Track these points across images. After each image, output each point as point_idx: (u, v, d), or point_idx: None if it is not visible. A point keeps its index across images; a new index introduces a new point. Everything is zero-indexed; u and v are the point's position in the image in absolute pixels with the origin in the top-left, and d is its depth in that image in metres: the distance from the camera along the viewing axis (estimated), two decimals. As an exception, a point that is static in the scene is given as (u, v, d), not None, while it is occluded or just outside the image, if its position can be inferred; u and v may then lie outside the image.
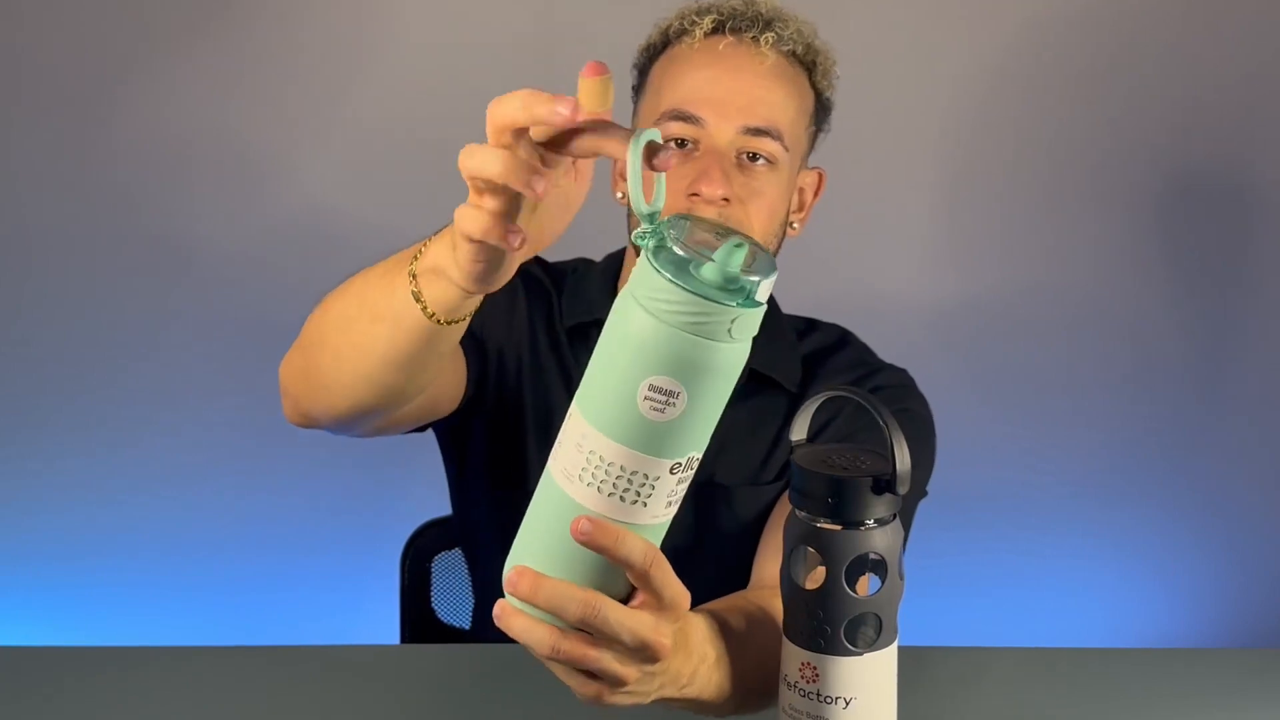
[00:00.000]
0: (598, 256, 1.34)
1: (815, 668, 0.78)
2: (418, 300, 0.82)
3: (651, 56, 1.23)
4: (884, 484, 0.76)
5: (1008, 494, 2.28)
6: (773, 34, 1.18)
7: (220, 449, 2.24)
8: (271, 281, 2.18)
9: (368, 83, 2.18)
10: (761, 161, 1.16)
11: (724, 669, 0.86)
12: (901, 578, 0.79)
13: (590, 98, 0.69)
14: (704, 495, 1.21)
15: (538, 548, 0.72)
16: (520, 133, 0.70)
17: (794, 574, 0.79)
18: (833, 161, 1.30)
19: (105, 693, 1.08)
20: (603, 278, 1.30)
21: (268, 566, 2.26)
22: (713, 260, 0.65)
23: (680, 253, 0.65)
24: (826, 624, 0.77)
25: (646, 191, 0.68)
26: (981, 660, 1.17)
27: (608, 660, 0.73)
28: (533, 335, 1.26)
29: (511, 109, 0.69)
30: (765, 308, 0.67)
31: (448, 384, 1.15)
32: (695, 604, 0.86)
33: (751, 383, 1.24)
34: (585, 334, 1.26)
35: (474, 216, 0.71)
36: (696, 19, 1.19)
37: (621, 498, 0.69)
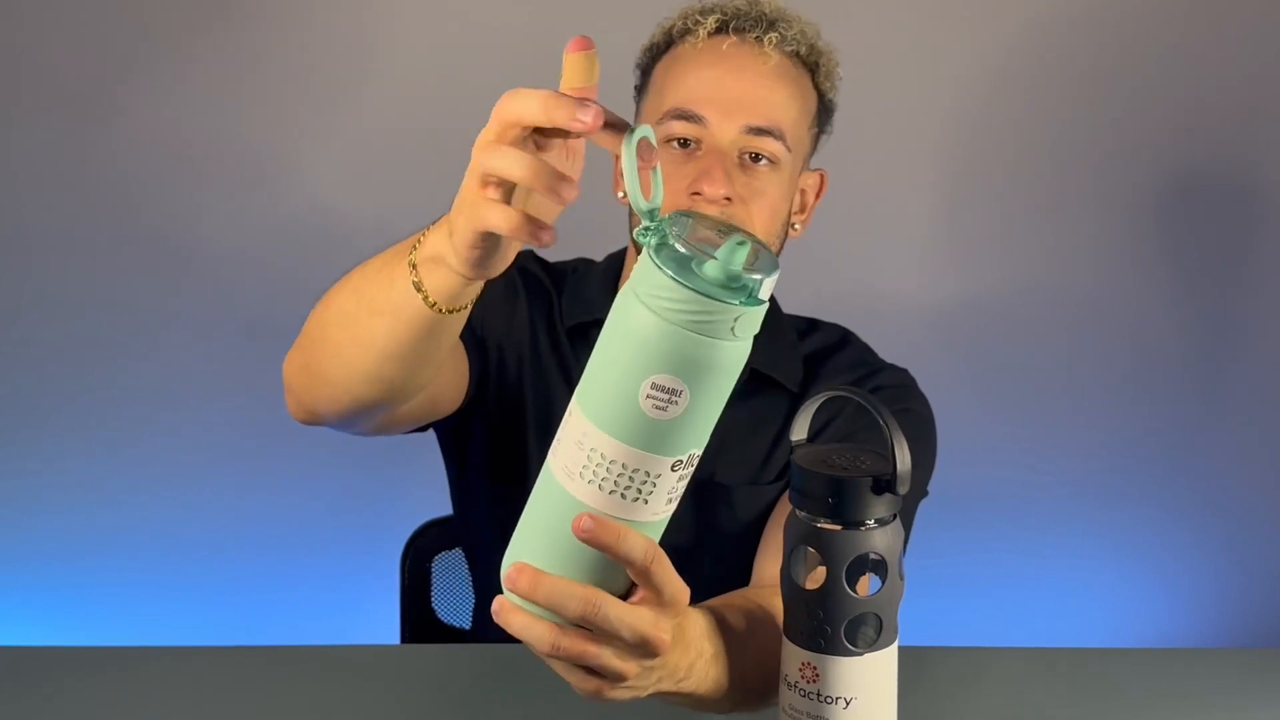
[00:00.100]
0: (598, 256, 1.34)
1: (815, 668, 0.78)
2: (419, 290, 0.82)
3: (654, 56, 1.23)
4: (884, 484, 0.76)
5: (1008, 494, 2.28)
6: (776, 34, 1.18)
7: (220, 449, 2.24)
8: (272, 281, 2.18)
9: (368, 82, 2.18)
10: (764, 161, 1.16)
11: (721, 665, 0.87)
12: (902, 578, 0.79)
13: (576, 73, 0.69)
14: (704, 495, 1.21)
15: (536, 544, 0.72)
16: (529, 130, 0.70)
17: (794, 574, 0.79)
18: (834, 161, 1.30)
19: (105, 693, 1.08)
20: (603, 278, 1.30)
21: (268, 566, 2.26)
22: (715, 258, 0.65)
23: (683, 250, 0.65)
24: (827, 624, 0.77)
25: (645, 188, 0.68)
26: (981, 660, 1.17)
27: (608, 656, 0.74)
28: (533, 334, 1.26)
29: (529, 108, 0.68)
30: (767, 306, 0.67)
31: (450, 382, 1.15)
32: (695, 603, 0.86)
33: (752, 382, 1.24)
34: (586, 334, 1.26)
35: (503, 213, 0.70)
36: (700, 19, 1.19)
37: (623, 495, 0.69)
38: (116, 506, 2.24)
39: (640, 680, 0.78)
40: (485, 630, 1.39)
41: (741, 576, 1.18)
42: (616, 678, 0.75)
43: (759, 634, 0.91)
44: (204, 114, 2.18)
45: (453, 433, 1.28)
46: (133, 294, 2.22)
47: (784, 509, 1.17)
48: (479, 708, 1.07)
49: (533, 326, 1.27)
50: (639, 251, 0.67)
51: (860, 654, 0.77)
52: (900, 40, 2.19)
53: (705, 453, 0.72)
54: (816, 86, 1.22)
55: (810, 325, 1.34)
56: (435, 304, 0.82)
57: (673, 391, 0.66)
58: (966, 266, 2.27)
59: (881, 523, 0.77)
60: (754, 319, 0.67)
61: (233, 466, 2.24)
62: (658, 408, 0.66)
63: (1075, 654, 1.20)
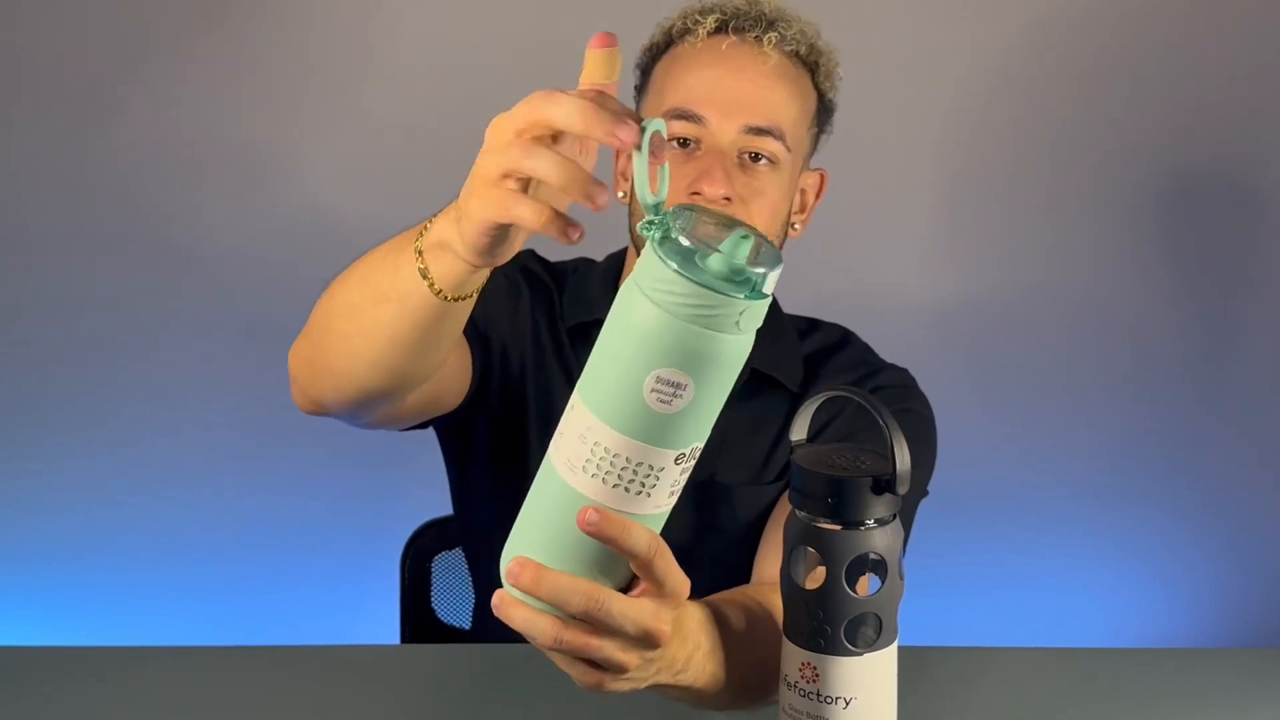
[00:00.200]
0: (598, 256, 1.34)
1: (815, 668, 0.78)
2: (424, 277, 0.82)
3: (654, 56, 1.23)
4: (884, 484, 0.76)
5: (1008, 494, 2.28)
6: (776, 34, 1.18)
7: (220, 449, 2.24)
8: (272, 281, 2.18)
9: (368, 82, 2.18)
10: (763, 161, 1.16)
11: (718, 659, 0.87)
12: (901, 578, 0.79)
13: (597, 69, 0.69)
14: (705, 495, 1.21)
15: (537, 537, 0.72)
16: (558, 134, 0.70)
17: (794, 574, 0.79)
18: (834, 161, 1.30)
19: (105, 693, 1.08)
20: (604, 277, 1.30)
21: (268, 566, 2.26)
22: (720, 251, 0.65)
23: (687, 244, 0.65)
24: (826, 624, 0.77)
25: (652, 182, 0.68)
26: (981, 660, 1.17)
27: (610, 649, 0.74)
28: (536, 333, 1.27)
29: (567, 117, 0.68)
30: (770, 299, 0.67)
31: (453, 378, 1.15)
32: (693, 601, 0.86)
33: (753, 382, 1.24)
34: (586, 333, 1.26)
35: (533, 208, 0.70)
36: (699, 18, 1.19)
37: (626, 489, 0.69)
38: (116, 506, 2.24)
39: (640, 672, 0.78)
40: (485, 630, 1.39)
41: (741, 576, 1.18)
42: (618, 670, 0.75)
43: (757, 630, 0.91)
44: (204, 114, 2.18)
45: (455, 430, 1.28)
46: (133, 294, 2.22)
47: (784, 509, 1.17)
48: (479, 708, 1.07)
49: (535, 326, 1.27)
50: (639, 248, 0.67)
51: (860, 654, 0.77)
52: (900, 40, 2.19)
53: (705, 452, 0.72)
54: (816, 86, 1.22)
55: (810, 325, 1.34)
56: (441, 291, 0.82)
57: (677, 385, 0.66)
58: (966, 266, 2.27)
59: (881, 523, 0.77)
60: (758, 312, 0.67)
61: (233, 466, 2.24)
62: (662, 401, 0.66)
63: (1075, 654, 1.20)
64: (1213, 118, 2.24)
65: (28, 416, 2.24)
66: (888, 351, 1.33)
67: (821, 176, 1.28)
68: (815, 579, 0.78)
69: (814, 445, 0.82)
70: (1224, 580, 2.34)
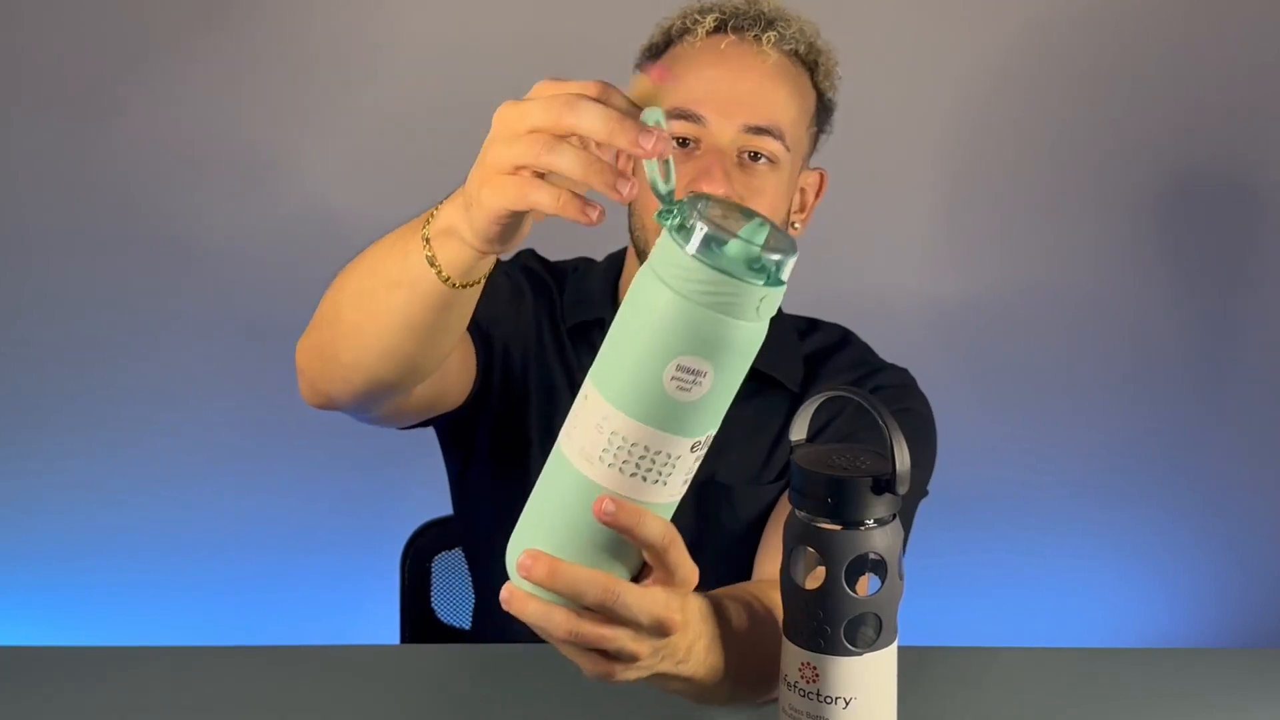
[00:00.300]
0: (598, 256, 1.34)
1: (815, 668, 0.78)
2: (432, 264, 0.82)
3: (653, 56, 1.23)
4: (884, 484, 0.76)
5: (1008, 494, 2.28)
6: (775, 33, 1.18)
7: (220, 449, 2.24)
8: (272, 281, 2.18)
9: (370, 81, 2.18)
10: (763, 160, 1.16)
11: (718, 651, 0.87)
12: (901, 578, 0.79)
13: (641, 97, 0.69)
14: (705, 494, 1.21)
15: (549, 529, 0.71)
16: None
17: (794, 574, 0.79)
18: (834, 161, 1.30)
19: (105, 693, 1.08)
20: (604, 277, 1.30)
21: (268, 566, 2.26)
22: (740, 238, 0.65)
23: (708, 230, 0.65)
24: (826, 624, 0.77)
25: (661, 172, 0.68)
26: (981, 660, 1.17)
27: (624, 639, 0.74)
28: (538, 333, 1.27)
29: (589, 121, 0.67)
30: (785, 287, 0.67)
31: (457, 375, 1.15)
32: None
33: (753, 382, 1.23)
34: (586, 333, 1.26)
35: (550, 193, 0.69)
36: (699, 18, 1.19)
37: (644, 477, 0.69)
38: (116, 506, 2.24)
39: (649, 660, 0.78)
40: (485, 630, 1.39)
41: (742, 576, 1.18)
42: (630, 659, 0.76)
43: (756, 624, 0.92)
44: (204, 114, 2.18)
45: (457, 429, 1.28)
46: (133, 294, 2.22)
47: (784, 509, 1.17)
48: (479, 708, 1.07)
49: (538, 325, 1.27)
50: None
51: (860, 654, 0.77)
52: (900, 40, 2.19)
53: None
54: (816, 85, 1.22)
55: (810, 325, 1.34)
56: (448, 278, 0.82)
57: (698, 372, 0.66)
58: (966, 266, 2.27)
59: (881, 523, 0.77)
60: (776, 299, 0.67)
61: (233, 466, 2.24)
62: (682, 389, 0.66)
63: (1075, 654, 1.20)
64: (1213, 118, 2.24)
65: (28, 416, 2.24)
66: (888, 351, 1.33)
67: (821, 176, 1.28)
68: (815, 579, 0.78)
69: (814, 445, 0.82)
70: (1224, 580, 2.34)
